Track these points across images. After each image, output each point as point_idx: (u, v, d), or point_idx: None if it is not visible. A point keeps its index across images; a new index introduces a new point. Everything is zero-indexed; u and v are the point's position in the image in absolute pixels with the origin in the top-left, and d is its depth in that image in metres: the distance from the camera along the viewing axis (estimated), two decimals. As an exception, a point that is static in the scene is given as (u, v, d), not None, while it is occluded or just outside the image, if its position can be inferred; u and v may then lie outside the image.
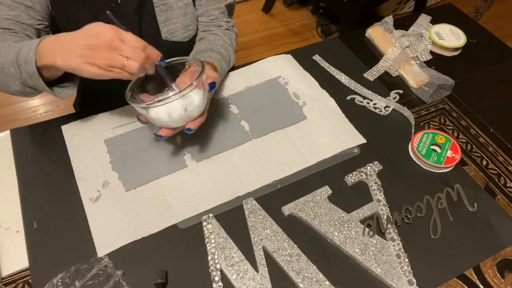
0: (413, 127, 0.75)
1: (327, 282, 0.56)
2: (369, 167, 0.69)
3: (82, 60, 0.51)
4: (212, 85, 0.62)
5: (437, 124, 0.78)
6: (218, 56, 0.76)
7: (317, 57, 0.90)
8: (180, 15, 0.77)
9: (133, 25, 0.74)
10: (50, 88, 0.59)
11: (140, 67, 0.52)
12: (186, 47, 0.81)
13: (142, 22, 0.75)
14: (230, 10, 0.85)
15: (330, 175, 0.68)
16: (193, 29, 0.81)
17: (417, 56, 0.89)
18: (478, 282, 0.58)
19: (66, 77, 0.62)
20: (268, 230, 0.61)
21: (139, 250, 0.59)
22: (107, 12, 0.53)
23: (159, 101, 0.56)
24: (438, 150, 0.71)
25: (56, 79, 0.61)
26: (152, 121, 0.61)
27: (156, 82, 0.63)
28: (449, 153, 0.70)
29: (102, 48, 0.50)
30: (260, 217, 0.62)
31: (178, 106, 0.58)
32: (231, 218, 0.63)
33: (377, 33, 0.94)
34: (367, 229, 0.61)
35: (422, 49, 0.92)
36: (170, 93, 0.60)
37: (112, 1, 0.71)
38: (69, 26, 0.72)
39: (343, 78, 0.85)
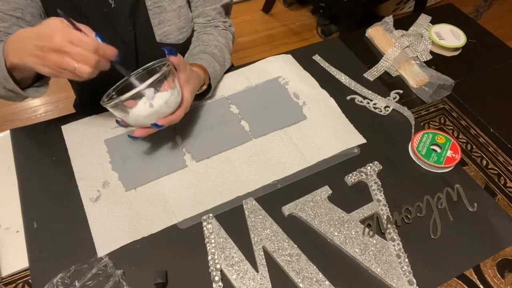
0: (413, 127, 0.75)
1: (327, 282, 0.56)
2: (369, 167, 0.69)
3: (36, 60, 0.51)
4: (170, 48, 0.59)
5: (437, 124, 0.78)
6: (209, 58, 0.76)
7: (317, 57, 0.90)
8: (174, 17, 0.77)
9: (127, 29, 0.74)
10: (24, 90, 0.61)
11: (92, 70, 0.51)
12: (180, 49, 0.80)
13: (136, 25, 0.75)
14: (227, 10, 0.85)
15: (330, 175, 0.68)
16: (187, 31, 0.81)
17: (417, 56, 0.89)
18: (478, 282, 0.58)
19: (39, 76, 0.63)
20: (268, 230, 0.61)
21: (139, 250, 0.59)
22: (58, 10, 0.51)
23: (118, 97, 0.56)
24: (438, 150, 0.71)
25: (33, 80, 0.63)
26: (125, 119, 0.62)
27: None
28: (449, 153, 0.70)
29: (51, 50, 0.49)
30: (260, 217, 0.62)
31: (141, 102, 0.58)
32: (231, 218, 0.63)
33: (377, 33, 0.94)
34: (367, 229, 0.61)
35: (422, 49, 0.92)
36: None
37: (105, 6, 0.71)
38: None
39: (343, 78, 0.85)
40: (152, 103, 0.59)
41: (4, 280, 0.58)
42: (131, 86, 0.62)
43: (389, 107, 0.80)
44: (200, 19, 0.82)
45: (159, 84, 0.59)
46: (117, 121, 0.65)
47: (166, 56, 0.60)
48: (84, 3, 0.69)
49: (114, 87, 0.64)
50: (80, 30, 0.51)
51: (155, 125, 0.62)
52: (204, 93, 0.76)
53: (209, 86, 0.76)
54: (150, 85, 0.56)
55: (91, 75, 0.53)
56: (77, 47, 0.50)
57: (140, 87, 0.56)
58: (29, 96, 0.63)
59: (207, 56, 0.76)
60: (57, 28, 0.50)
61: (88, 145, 0.71)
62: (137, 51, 0.78)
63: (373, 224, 0.61)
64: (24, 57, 0.52)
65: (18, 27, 0.64)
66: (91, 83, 0.60)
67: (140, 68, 0.65)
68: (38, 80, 0.64)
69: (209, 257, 0.58)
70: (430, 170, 0.70)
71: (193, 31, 0.83)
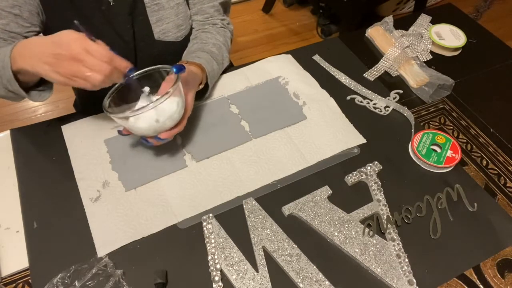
0: (413, 127, 0.75)
1: (327, 282, 0.56)
2: (369, 167, 0.69)
3: (48, 68, 0.52)
4: (178, 66, 0.60)
5: (437, 124, 0.78)
6: (208, 56, 0.76)
7: (317, 57, 0.90)
8: (172, 14, 0.77)
9: (126, 27, 0.74)
10: (27, 93, 0.61)
11: (104, 79, 0.52)
12: (179, 47, 0.80)
13: (135, 23, 0.75)
14: (225, 7, 0.85)
15: (330, 175, 0.68)
16: (185, 28, 0.81)
17: (417, 56, 0.89)
18: (478, 282, 0.58)
19: (43, 80, 0.63)
20: (268, 230, 0.61)
21: (139, 250, 0.59)
22: (75, 22, 0.52)
23: (130, 112, 0.57)
24: (438, 150, 0.71)
25: (36, 83, 0.63)
26: (127, 127, 0.62)
27: (136, 91, 0.64)
28: (449, 153, 0.70)
29: (67, 58, 0.51)
30: (260, 217, 0.62)
31: (148, 117, 0.58)
32: (231, 218, 0.63)
33: (377, 33, 0.94)
34: (367, 229, 0.61)
35: (422, 49, 0.92)
36: (140, 104, 0.61)
37: (103, 4, 0.71)
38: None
39: (343, 78, 0.85)
40: (158, 118, 0.59)
41: (4, 280, 0.58)
42: (133, 90, 0.62)
43: (389, 107, 0.80)
44: (198, 16, 0.82)
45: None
46: (119, 132, 0.65)
47: (174, 74, 0.60)
48: (83, 1, 0.69)
49: (114, 88, 0.63)
50: (95, 41, 0.52)
51: (158, 139, 0.62)
52: (201, 93, 0.76)
53: (206, 85, 0.76)
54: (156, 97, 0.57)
55: (103, 85, 0.53)
56: (92, 56, 0.51)
57: (150, 105, 0.56)
58: (32, 99, 0.63)
59: (205, 54, 0.76)
60: (74, 37, 0.51)
61: (88, 145, 0.71)
62: (136, 49, 0.78)
63: (373, 224, 0.61)
64: (36, 64, 0.53)
65: (15, 24, 0.64)
66: None
67: (141, 71, 0.64)
68: (41, 84, 0.65)
69: (209, 257, 0.58)
70: (430, 170, 0.70)
71: (191, 28, 0.83)
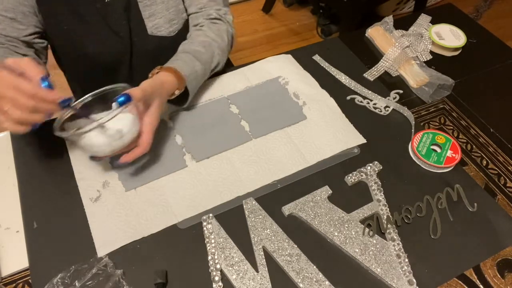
0: (413, 127, 0.75)
1: (327, 282, 0.56)
2: (369, 167, 0.69)
3: None
4: (124, 97, 0.57)
5: (437, 124, 0.78)
6: (189, 57, 0.72)
7: (317, 57, 0.90)
8: (163, 9, 0.77)
9: (121, 23, 0.75)
10: None
11: (24, 115, 0.50)
12: (172, 42, 0.80)
13: (130, 19, 0.75)
14: None
15: (330, 175, 0.68)
16: (178, 23, 0.80)
17: (417, 56, 0.89)
18: (478, 282, 0.58)
19: None
20: (268, 230, 0.61)
21: (139, 250, 0.59)
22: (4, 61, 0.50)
23: (76, 130, 0.56)
24: (438, 150, 0.71)
25: None
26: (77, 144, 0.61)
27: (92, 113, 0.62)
28: (449, 153, 0.70)
29: None
30: (260, 217, 0.62)
31: (97, 135, 0.57)
32: (231, 218, 0.63)
33: (377, 33, 0.94)
34: (367, 229, 0.61)
35: (422, 49, 0.92)
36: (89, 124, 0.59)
37: (98, 1, 0.71)
38: (57, 31, 0.71)
39: (343, 78, 0.85)
40: (105, 137, 0.58)
41: (4, 280, 0.58)
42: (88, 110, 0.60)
43: (389, 107, 0.80)
44: (192, 8, 0.81)
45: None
46: (112, 164, 0.65)
47: (119, 104, 0.57)
48: (78, 0, 0.70)
49: (64, 112, 0.60)
50: (23, 74, 0.50)
51: (118, 164, 0.63)
52: (182, 97, 0.73)
53: (187, 88, 0.72)
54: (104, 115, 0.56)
55: (32, 120, 0.51)
56: (12, 91, 0.49)
57: (92, 125, 0.55)
58: None
59: (187, 55, 0.73)
60: (3, 77, 0.49)
61: (88, 145, 0.71)
62: (132, 45, 0.78)
63: (373, 224, 0.61)
64: None
65: (12, 28, 0.64)
66: (89, 85, 0.60)
67: (94, 92, 0.62)
68: None
69: (209, 257, 0.58)
70: (430, 170, 0.70)
71: (185, 24, 0.82)
